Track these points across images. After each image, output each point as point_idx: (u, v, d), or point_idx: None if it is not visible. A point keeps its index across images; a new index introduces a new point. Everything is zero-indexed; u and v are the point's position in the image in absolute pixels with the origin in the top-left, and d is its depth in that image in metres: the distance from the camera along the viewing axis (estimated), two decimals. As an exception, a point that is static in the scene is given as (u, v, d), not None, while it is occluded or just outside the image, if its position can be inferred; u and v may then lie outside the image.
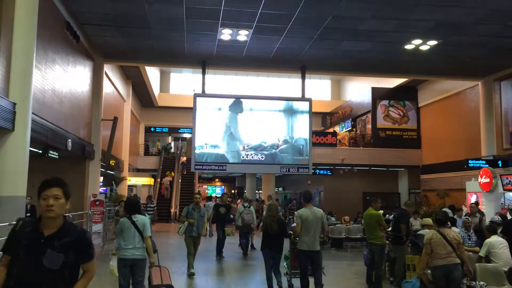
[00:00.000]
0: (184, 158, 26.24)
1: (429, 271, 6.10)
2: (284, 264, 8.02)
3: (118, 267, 5.91)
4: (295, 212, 7.68)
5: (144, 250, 5.90)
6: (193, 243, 9.26)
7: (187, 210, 9.43)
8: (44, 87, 11.06)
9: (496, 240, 6.84)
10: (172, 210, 23.22)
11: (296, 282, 7.58)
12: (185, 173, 25.87)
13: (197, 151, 14.20)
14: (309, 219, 7.06)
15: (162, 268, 6.21)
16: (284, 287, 7.56)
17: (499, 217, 8.20)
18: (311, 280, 7.26)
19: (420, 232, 7.99)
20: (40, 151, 11.70)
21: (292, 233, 7.56)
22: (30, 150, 8.93)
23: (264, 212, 12.21)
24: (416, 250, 7.12)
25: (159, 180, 25.33)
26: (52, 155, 12.25)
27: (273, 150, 14.57)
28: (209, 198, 21.85)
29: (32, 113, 9.17)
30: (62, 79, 12.54)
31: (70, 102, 13.41)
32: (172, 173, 25.73)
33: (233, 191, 45.32)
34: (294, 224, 7.78)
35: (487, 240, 6.91)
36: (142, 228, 5.89)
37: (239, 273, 10.18)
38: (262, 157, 14.41)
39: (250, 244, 12.94)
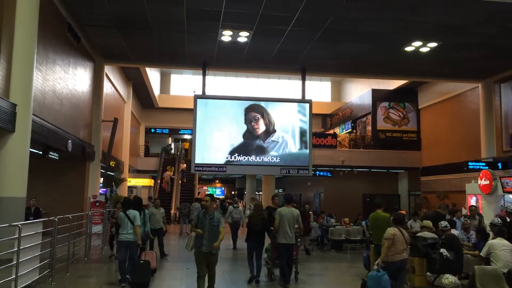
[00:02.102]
0: (184, 165, 26.05)
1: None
2: (265, 256, 9.16)
3: (117, 247, 8.20)
4: (276, 210, 8.69)
5: (135, 235, 7.98)
6: (205, 262, 6.89)
7: (197, 217, 7.07)
8: (45, 88, 11.08)
9: (498, 242, 6.83)
10: (172, 212, 23.21)
11: (276, 271, 8.82)
12: (185, 181, 25.76)
13: (197, 152, 14.20)
14: (287, 217, 8.32)
15: (151, 252, 8.80)
16: (265, 275, 8.94)
17: (499, 220, 8.18)
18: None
19: (420, 234, 7.97)
20: (41, 152, 11.72)
21: (273, 228, 8.54)
22: (30, 151, 8.95)
23: (248, 211, 14.82)
24: (414, 251, 7.11)
25: (158, 181, 25.38)
26: (53, 156, 12.27)
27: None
28: (198, 199, 19.12)
29: (33, 114, 9.20)
30: (63, 80, 12.57)
31: (71, 103, 13.43)
32: (173, 168, 26.11)
33: (233, 192, 45.35)
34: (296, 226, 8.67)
35: (490, 241, 6.91)
36: (133, 219, 8.01)
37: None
38: (262, 159, 14.42)
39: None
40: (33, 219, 10.44)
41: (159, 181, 25.41)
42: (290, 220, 8.31)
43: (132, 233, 7.95)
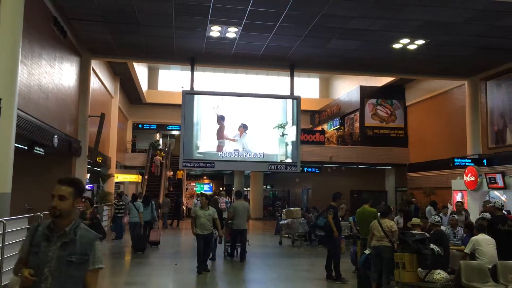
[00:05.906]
0: (171, 173, 25.88)
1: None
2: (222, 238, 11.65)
3: (129, 226, 12.37)
4: (230, 204, 12.37)
5: (139, 218, 12.20)
6: None
7: (29, 239, 2.89)
8: (30, 82, 10.91)
9: (482, 238, 6.90)
10: (160, 211, 23.08)
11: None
12: (171, 189, 25.57)
13: (185, 148, 14.13)
14: (239, 209, 11.01)
15: (156, 230, 13.36)
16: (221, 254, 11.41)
17: (488, 214, 8.25)
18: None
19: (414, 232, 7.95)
20: (26, 148, 11.54)
21: (228, 218, 11.37)
22: (15, 146, 8.81)
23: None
24: (405, 247, 7.15)
25: (146, 177, 25.23)
26: (38, 152, 12.10)
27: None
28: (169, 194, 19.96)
29: (18, 108, 9.05)
30: (49, 74, 12.38)
31: (57, 98, 13.25)
32: (162, 153, 26.78)
33: (221, 189, 45.29)
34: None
35: (473, 238, 6.97)
36: (138, 208, 12.29)
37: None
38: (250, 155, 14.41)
39: None
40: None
41: (146, 177, 25.27)
42: (242, 211, 10.97)
43: (138, 217, 12.12)
